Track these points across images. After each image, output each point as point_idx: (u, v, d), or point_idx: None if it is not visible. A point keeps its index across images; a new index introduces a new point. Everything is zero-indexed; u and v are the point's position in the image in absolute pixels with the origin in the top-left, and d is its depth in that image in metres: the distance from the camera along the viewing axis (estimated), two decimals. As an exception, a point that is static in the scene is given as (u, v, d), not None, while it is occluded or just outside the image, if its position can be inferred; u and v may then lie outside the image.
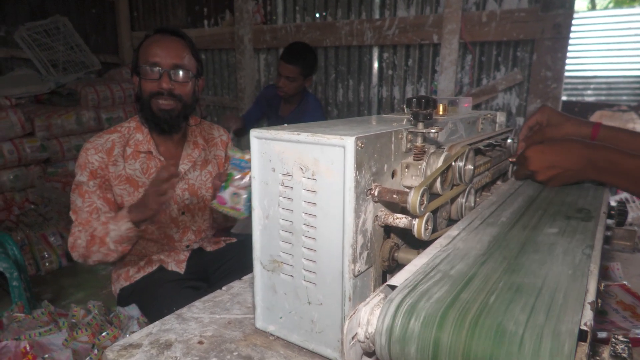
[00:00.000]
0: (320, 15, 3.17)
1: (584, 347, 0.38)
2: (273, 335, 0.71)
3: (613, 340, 0.43)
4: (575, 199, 0.83)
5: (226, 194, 1.35)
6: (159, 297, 1.35)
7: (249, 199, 1.32)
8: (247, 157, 1.31)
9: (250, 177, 1.31)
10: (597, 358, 0.43)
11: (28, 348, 1.39)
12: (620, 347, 0.42)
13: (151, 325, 0.76)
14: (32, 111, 3.22)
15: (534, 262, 0.55)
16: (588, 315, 0.42)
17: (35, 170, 3.13)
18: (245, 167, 1.30)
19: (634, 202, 2.24)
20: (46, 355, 1.40)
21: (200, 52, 1.55)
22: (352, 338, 0.46)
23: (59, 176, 3.23)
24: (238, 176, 1.33)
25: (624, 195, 2.24)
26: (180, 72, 1.34)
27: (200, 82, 1.44)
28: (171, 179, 1.22)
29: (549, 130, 1.07)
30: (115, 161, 1.36)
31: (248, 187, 1.30)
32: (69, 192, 1.37)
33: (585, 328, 0.40)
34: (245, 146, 3.34)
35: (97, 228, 1.30)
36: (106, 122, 3.50)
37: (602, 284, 0.56)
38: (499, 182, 1.04)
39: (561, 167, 0.91)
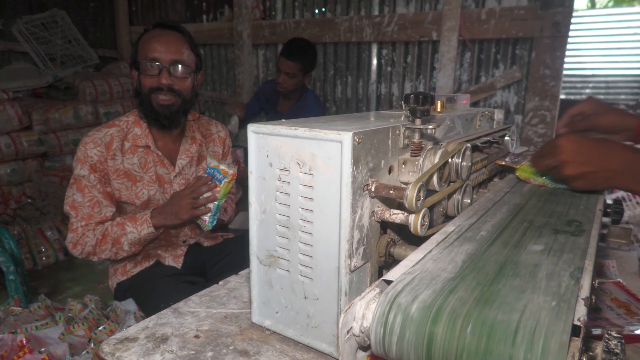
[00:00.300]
0: (319, 11, 3.16)
1: (577, 343, 0.38)
2: (269, 330, 0.71)
3: (606, 336, 0.44)
4: (565, 209, 0.75)
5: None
6: (155, 291, 1.35)
7: (215, 213, 1.34)
8: (222, 167, 1.31)
9: (220, 191, 1.32)
10: (590, 354, 0.43)
11: (24, 342, 1.40)
12: (613, 343, 0.43)
13: (147, 319, 0.76)
14: (29, 105, 3.21)
15: (511, 290, 0.47)
16: (582, 311, 0.42)
17: (33, 165, 3.13)
18: (218, 179, 1.31)
19: (630, 200, 2.25)
20: (42, 349, 1.40)
21: (198, 47, 1.54)
22: (347, 332, 0.47)
23: (56, 170, 3.23)
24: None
25: (620, 193, 2.25)
26: (180, 68, 1.34)
27: (199, 77, 1.44)
28: (210, 192, 1.29)
29: (593, 118, 0.98)
30: (113, 155, 1.36)
31: (216, 202, 1.31)
32: (67, 187, 1.37)
33: (578, 324, 0.40)
34: (243, 140, 3.34)
35: (108, 227, 1.32)
36: (104, 117, 3.49)
37: (597, 281, 0.56)
38: (496, 179, 1.04)
39: (596, 166, 0.78)
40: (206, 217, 1.34)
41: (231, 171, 1.30)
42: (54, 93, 3.49)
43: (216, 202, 1.32)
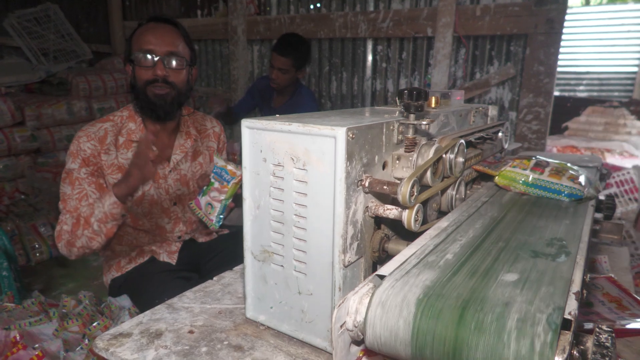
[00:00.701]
0: (314, 6, 3.15)
1: (567, 336, 0.39)
2: (263, 325, 0.72)
3: (597, 330, 0.44)
4: (549, 224, 0.68)
5: (202, 201, 1.38)
6: (150, 287, 1.35)
7: (221, 212, 1.34)
8: (229, 167, 1.30)
9: (227, 192, 1.31)
10: (582, 347, 0.43)
11: (18, 338, 1.39)
12: (603, 337, 0.43)
13: (142, 315, 0.76)
14: (22, 100, 3.18)
15: (469, 352, 0.39)
16: (573, 305, 0.42)
17: (26, 160, 3.10)
18: (225, 179, 1.31)
19: (623, 196, 2.27)
20: (36, 345, 1.39)
21: (192, 42, 1.53)
22: (341, 327, 0.47)
23: (49, 166, 3.21)
24: (216, 186, 1.34)
25: (613, 189, 2.27)
26: (175, 60, 1.34)
27: (193, 72, 1.43)
28: (149, 150, 1.21)
29: None
30: (107, 150, 1.35)
31: (223, 201, 1.31)
32: (60, 182, 1.35)
33: (569, 317, 0.40)
34: (237, 137, 3.33)
35: (81, 210, 1.28)
36: (98, 112, 3.47)
37: (588, 276, 0.57)
38: (489, 175, 1.05)
39: None
40: (213, 217, 1.33)
41: (239, 172, 1.29)
42: (46, 88, 3.45)
43: (223, 202, 1.31)
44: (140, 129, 1.39)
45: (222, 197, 1.33)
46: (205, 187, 1.37)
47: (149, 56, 1.32)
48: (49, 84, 3.47)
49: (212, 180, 1.36)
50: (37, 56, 3.81)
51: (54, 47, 3.92)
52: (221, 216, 1.35)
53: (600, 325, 0.45)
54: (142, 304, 1.38)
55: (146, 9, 4.22)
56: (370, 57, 3.02)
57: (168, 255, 1.47)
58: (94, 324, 1.51)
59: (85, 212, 1.26)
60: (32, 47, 3.81)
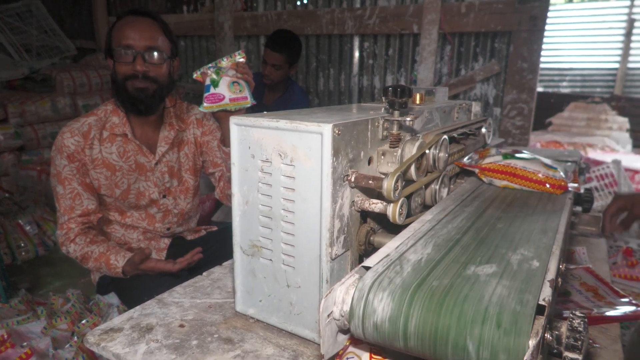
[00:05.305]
0: (301, 3, 3.16)
1: (541, 321, 0.41)
2: (253, 318, 0.73)
3: (571, 315, 0.47)
4: (524, 219, 0.65)
5: (222, 88, 1.20)
6: (138, 285, 1.35)
7: (248, 86, 1.21)
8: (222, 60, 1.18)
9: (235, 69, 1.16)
10: (556, 332, 0.46)
11: (6, 336, 1.38)
12: (576, 322, 0.46)
13: (132, 310, 0.77)
14: (4, 97, 3.13)
15: (450, 337, 0.42)
16: (547, 292, 0.45)
17: (9, 158, 3.06)
18: (223, 63, 1.18)
19: (602, 190, 2.32)
20: (25, 343, 1.39)
21: (179, 38, 1.52)
22: (328, 316, 0.49)
23: (34, 164, 3.16)
24: (225, 64, 1.18)
25: (593, 183, 2.33)
26: (154, 54, 1.33)
27: (175, 64, 1.43)
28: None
29: (636, 210, 1.15)
30: (91, 144, 1.35)
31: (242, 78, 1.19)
32: (45, 181, 1.36)
33: (543, 303, 0.42)
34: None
35: (89, 256, 1.34)
36: (83, 109, 3.43)
37: (564, 265, 0.59)
38: (473, 170, 1.07)
39: None
40: (246, 93, 1.21)
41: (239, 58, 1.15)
42: (30, 85, 3.40)
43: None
44: (124, 122, 1.39)
45: (239, 75, 1.18)
46: (210, 78, 1.20)
47: (128, 51, 1.31)
48: (33, 80, 3.42)
49: (213, 69, 1.18)
50: (20, 52, 3.74)
51: (37, 43, 3.86)
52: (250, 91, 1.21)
53: (574, 312, 0.47)
54: (131, 301, 1.39)
55: (131, 3, 4.17)
56: (357, 54, 3.03)
57: (156, 252, 1.47)
58: (83, 322, 1.51)
59: (92, 263, 1.35)
60: (15, 43, 3.75)
